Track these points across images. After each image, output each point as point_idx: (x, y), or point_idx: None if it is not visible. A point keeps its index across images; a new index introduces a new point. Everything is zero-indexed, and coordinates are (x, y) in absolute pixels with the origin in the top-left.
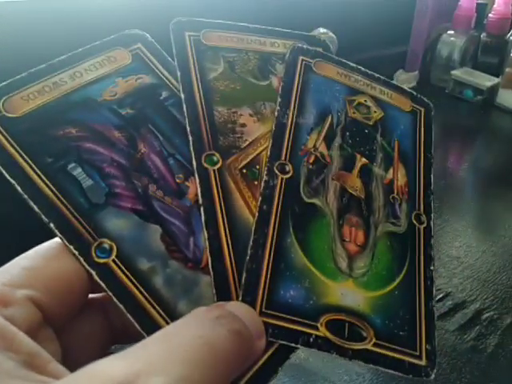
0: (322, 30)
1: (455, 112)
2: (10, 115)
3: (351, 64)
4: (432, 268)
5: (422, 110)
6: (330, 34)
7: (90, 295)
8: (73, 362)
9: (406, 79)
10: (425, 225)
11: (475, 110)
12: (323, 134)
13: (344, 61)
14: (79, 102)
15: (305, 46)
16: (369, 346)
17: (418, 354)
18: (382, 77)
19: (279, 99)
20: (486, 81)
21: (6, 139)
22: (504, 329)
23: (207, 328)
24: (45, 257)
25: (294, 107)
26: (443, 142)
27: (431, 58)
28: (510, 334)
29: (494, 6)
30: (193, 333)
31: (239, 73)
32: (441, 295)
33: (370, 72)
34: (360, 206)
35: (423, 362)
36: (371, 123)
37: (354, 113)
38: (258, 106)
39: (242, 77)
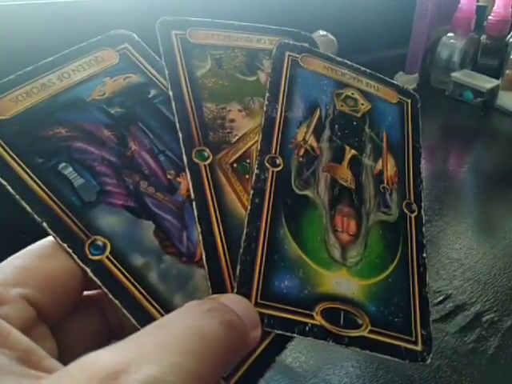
0: (321, 32)
1: (455, 114)
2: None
3: (337, 58)
4: (424, 255)
5: (409, 101)
6: (330, 36)
7: (86, 292)
8: (70, 359)
9: (406, 81)
10: (416, 213)
11: (475, 112)
12: (312, 127)
13: (330, 55)
14: (68, 102)
15: (291, 42)
16: (365, 333)
17: (413, 339)
18: (368, 70)
19: (267, 94)
20: (486, 83)
21: None
22: (505, 331)
23: (198, 319)
24: (38, 256)
25: (283, 101)
26: (443, 143)
27: (431, 60)
28: (510, 336)
29: (494, 8)
30: (184, 324)
31: (226, 69)
32: (441, 297)
33: (355, 65)
34: (351, 196)
35: (419, 347)
36: (359, 115)
37: (341, 106)
38: (247, 101)
39: (229, 73)
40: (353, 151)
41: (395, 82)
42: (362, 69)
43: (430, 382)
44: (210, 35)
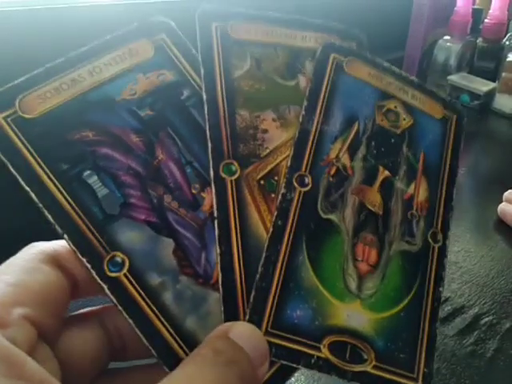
0: None
1: None
2: (26, 116)
3: (384, 64)
4: (441, 289)
5: (454, 116)
6: None
7: (88, 309)
8: (72, 379)
9: None
10: (440, 244)
11: (472, 114)
12: (347, 144)
13: (377, 59)
14: (97, 101)
15: (337, 43)
16: (368, 369)
17: (415, 376)
18: (415, 79)
19: (305, 103)
20: (483, 86)
21: (22, 143)
22: (503, 333)
23: (216, 375)
24: (25, 270)
25: (320, 112)
26: None
27: (428, 64)
28: (509, 338)
29: (490, 11)
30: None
31: (265, 71)
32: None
33: (403, 74)
34: (377, 223)
35: None
36: (399, 132)
37: (382, 120)
38: (282, 109)
39: (268, 76)
40: (386, 173)
41: (442, 96)
42: (410, 78)
43: None
44: (251, 30)
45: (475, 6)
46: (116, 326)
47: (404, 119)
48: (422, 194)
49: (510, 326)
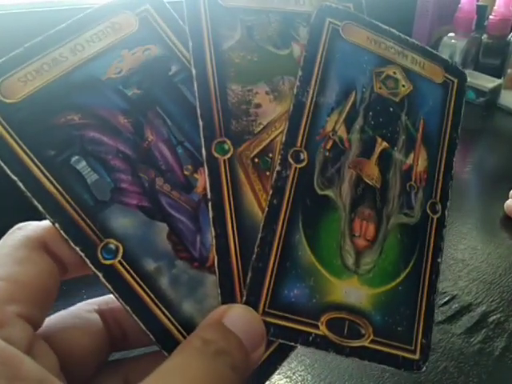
0: None
1: None
2: (7, 101)
3: (383, 26)
4: (439, 260)
5: (455, 80)
6: None
7: (85, 302)
8: (72, 371)
9: None
10: (439, 214)
11: (478, 111)
12: (344, 115)
13: (375, 22)
14: (82, 82)
15: (333, 5)
16: (366, 343)
17: (412, 348)
18: (415, 41)
19: (300, 73)
20: (488, 82)
21: (6, 130)
22: (511, 331)
23: (206, 367)
24: (15, 261)
25: (316, 83)
26: None
27: None
28: None
29: (495, 7)
30: (193, 375)
31: (258, 40)
32: (446, 298)
33: (402, 36)
34: (374, 196)
35: (416, 356)
36: (397, 100)
37: (380, 88)
38: (276, 81)
39: (260, 45)
40: (384, 144)
41: (444, 57)
42: (410, 40)
43: None
44: None
45: (480, 3)
46: (115, 316)
47: (403, 86)
48: (421, 164)
49: None
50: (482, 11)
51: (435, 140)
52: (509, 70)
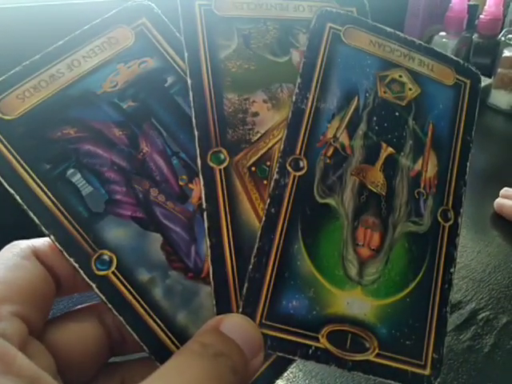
0: None
1: None
2: (6, 117)
3: (387, 29)
4: (452, 270)
5: (468, 82)
6: None
7: (85, 305)
8: (71, 374)
9: None
10: (451, 222)
11: None
12: (346, 121)
13: (379, 26)
14: (78, 96)
15: (334, 10)
16: (371, 357)
17: (422, 363)
18: (422, 43)
19: (299, 80)
20: None
21: (4, 146)
22: (500, 328)
23: (205, 369)
24: (8, 267)
25: (316, 89)
26: None
27: None
28: (506, 333)
29: (485, 7)
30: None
31: (255, 48)
32: None
33: (409, 38)
34: (379, 204)
35: (427, 372)
36: (404, 104)
37: (384, 92)
38: (274, 89)
39: (257, 53)
40: (389, 149)
41: (455, 58)
42: (417, 42)
43: None
44: (238, 4)
45: (471, 2)
46: (114, 320)
47: (410, 89)
48: (430, 169)
49: (506, 322)
50: (473, 10)
51: (446, 144)
52: (499, 70)
